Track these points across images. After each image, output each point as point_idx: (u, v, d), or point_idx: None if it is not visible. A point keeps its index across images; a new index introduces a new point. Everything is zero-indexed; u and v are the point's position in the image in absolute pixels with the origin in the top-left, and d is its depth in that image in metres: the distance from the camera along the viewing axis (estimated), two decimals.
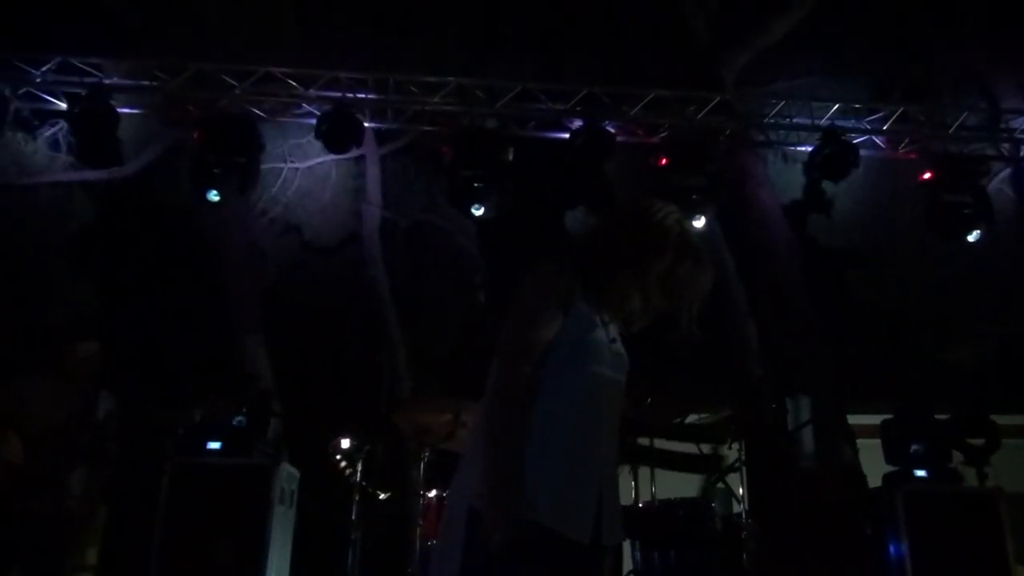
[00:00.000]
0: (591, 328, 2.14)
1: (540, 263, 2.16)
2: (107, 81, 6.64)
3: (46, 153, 7.82)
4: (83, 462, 4.51)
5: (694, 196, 6.70)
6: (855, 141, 6.90)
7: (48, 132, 7.58)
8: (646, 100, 6.91)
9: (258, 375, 7.34)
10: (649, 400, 4.66)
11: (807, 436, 6.90)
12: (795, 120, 7.10)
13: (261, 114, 6.95)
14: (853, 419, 7.74)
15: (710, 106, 6.99)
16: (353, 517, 4.67)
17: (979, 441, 5.88)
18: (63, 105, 6.73)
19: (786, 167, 8.34)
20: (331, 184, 9.15)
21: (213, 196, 6.64)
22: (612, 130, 6.82)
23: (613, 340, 2.21)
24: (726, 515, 4.67)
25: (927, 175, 6.93)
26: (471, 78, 6.89)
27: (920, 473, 5.70)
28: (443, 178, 7.54)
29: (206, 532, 4.99)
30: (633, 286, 2.18)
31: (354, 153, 7.77)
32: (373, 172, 9.26)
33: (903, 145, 7.13)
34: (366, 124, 6.92)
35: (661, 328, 2.28)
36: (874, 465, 6.19)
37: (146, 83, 6.73)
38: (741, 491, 4.74)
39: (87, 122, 6.52)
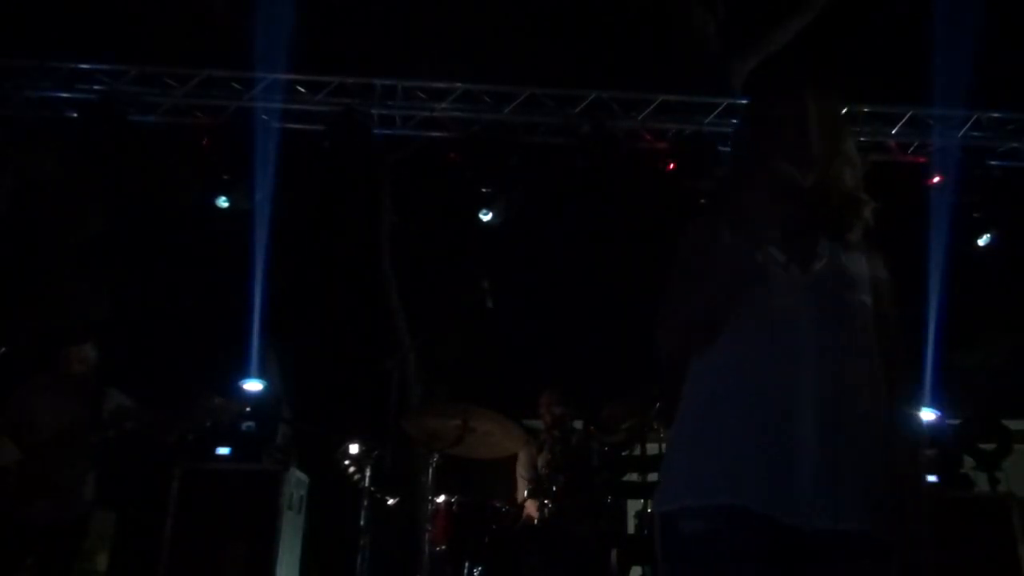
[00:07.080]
0: (747, 252, 1.75)
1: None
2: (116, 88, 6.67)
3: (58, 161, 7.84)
4: (93, 467, 4.52)
5: (702, 200, 6.69)
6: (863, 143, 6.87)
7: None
8: (654, 105, 6.91)
9: (267, 380, 7.35)
10: (658, 405, 4.67)
11: None
12: None
13: (269, 120, 6.96)
14: None
15: (718, 111, 6.98)
16: (362, 522, 4.67)
17: (990, 446, 5.84)
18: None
19: None
20: (340, 191, 9.17)
21: (222, 203, 6.67)
22: (620, 135, 6.82)
23: (800, 260, 1.77)
24: None
25: (935, 179, 6.90)
26: (478, 84, 6.89)
27: (930, 478, 5.66)
28: (451, 184, 7.55)
29: (215, 538, 5.00)
30: (761, 180, 1.77)
31: (362, 160, 7.78)
32: (381, 179, 9.29)
33: (912, 148, 7.09)
34: (374, 130, 6.93)
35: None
36: None
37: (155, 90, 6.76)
38: None
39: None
